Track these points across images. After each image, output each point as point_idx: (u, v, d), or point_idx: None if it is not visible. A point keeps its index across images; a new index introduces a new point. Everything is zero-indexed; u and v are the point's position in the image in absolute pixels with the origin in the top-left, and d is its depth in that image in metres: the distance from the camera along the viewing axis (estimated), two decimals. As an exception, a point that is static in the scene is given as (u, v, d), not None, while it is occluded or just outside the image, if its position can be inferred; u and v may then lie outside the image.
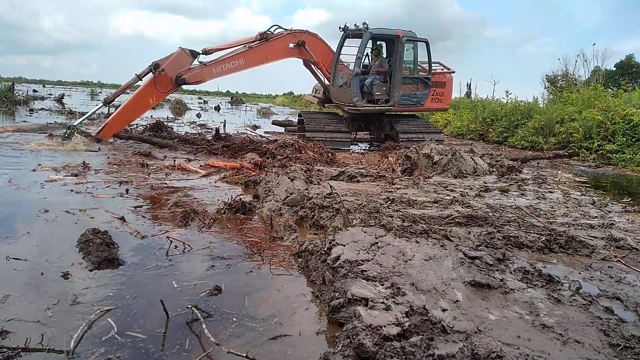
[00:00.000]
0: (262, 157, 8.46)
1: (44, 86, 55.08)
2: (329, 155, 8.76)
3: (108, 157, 7.82)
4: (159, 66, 9.36)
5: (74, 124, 9.44)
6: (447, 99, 12.50)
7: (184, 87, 11.33)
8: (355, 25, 11.33)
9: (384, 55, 11.87)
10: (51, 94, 31.39)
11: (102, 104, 9.86)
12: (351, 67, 11.55)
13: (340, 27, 11.59)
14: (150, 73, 9.40)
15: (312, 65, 11.68)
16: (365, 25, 11.13)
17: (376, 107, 11.55)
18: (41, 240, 3.65)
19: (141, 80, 9.51)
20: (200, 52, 9.87)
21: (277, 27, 10.75)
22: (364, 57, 11.59)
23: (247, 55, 10.30)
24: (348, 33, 11.47)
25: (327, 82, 12.01)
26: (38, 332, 2.27)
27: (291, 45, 10.87)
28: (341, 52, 11.68)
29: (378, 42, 11.90)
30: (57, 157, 7.52)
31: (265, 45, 10.46)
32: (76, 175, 6.10)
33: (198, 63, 9.87)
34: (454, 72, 12.48)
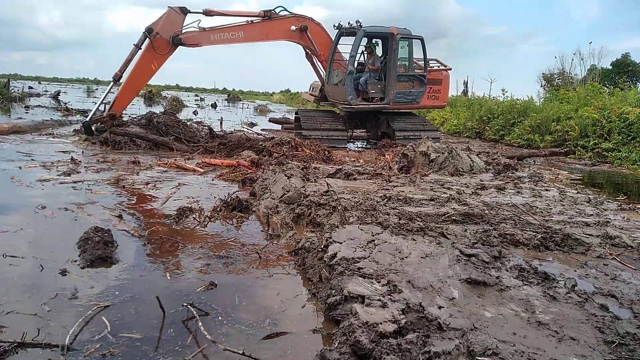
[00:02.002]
0: (258, 154, 8.44)
1: (39, 83, 54.62)
2: (326, 153, 8.75)
3: (104, 157, 7.79)
4: (153, 30, 9.28)
5: (87, 120, 9.42)
6: (444, 97, 12.48)
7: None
8: (349, 23, 11.31)
9: (379, 53, 11.86)
10: (47, 91, 31.16)
11: (112, 84, 9.80)
12: None
13: (334, 25, 11.57)
14: (147, 40, 9.34)
15: (314, 58, 11.63)
16: (359, 24, 11.10)
17: (370, 105, 11.53)
18: (38, 237, 3.65)
19: (140, 48, 9.44)
20: (202, 11, 9.76)
21: (282, 8, 10.68)
22: (359, 55, 11.56)
23: (248, 29, 10.23)
24: (342, 31, 11.44)
25: None
26: (34, 326, 2.27)
27: (293, 27, 10.76)
28: (337, 50, 11.65)
29: (374, 40, 11.88)
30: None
31: (267, 23, 10.39)
32: (69, 175, 6.06)
33: (197, 28, 9.75)
34: (450, 69, 12.45)
